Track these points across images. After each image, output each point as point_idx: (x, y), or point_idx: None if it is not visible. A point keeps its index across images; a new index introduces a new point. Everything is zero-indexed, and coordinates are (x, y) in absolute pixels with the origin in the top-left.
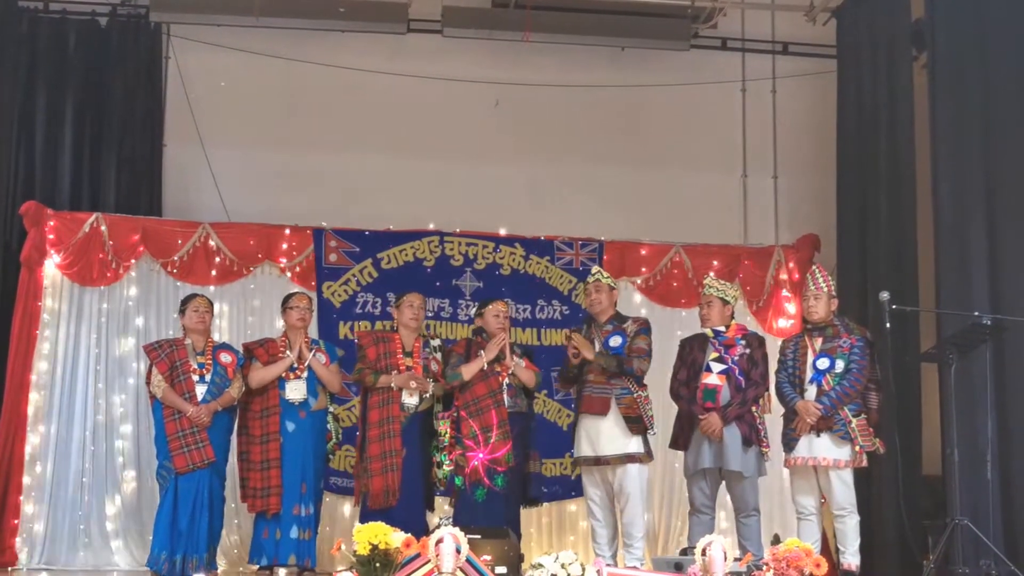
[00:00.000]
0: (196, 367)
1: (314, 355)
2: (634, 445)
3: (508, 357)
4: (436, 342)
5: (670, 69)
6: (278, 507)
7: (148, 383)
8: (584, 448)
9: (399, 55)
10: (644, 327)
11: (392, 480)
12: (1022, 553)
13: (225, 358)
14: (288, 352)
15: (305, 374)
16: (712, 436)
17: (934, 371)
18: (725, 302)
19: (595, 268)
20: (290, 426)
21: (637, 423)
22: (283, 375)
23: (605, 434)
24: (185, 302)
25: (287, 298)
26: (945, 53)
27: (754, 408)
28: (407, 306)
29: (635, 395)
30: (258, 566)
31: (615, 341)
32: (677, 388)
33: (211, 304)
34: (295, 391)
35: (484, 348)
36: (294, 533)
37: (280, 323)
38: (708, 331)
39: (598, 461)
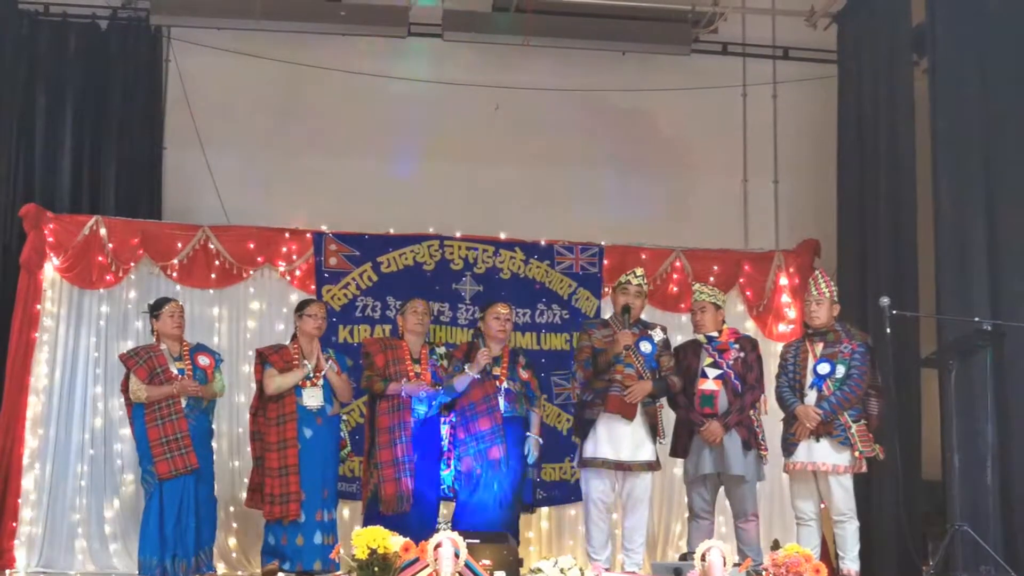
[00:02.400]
0: (176, 373)
1: (329, 365)
2: (653, 453)
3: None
4: (442, 349)
5: (671, 73)
6: (297, 514)
7: (124, 391)
8: (605, 450)
9: (399, 58)
10: (668, 342)
11: (406, 485)
12: (1022, 559)
13: (203, 360)
14: (305, 361)
15: (321, 381)
16: (713, 443)
17: (934, 376)
18: (717, 307)
19: (640, 270)
20: (308, 432)
21: (655, 431)
22: (299, 382)
23: (629, 440)
24: (158, 307)
25: (303, 305)
26: (945, 58)
27: (752, 412)
28: (411, 312)
29: (656, 404)
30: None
31: (645, 347)
32: (674, 396)
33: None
34: (312, 398)
35: (476, 358)
36: (318, 539)
37: (281, 326)
38: (701, 337)
39: (619, 466)
